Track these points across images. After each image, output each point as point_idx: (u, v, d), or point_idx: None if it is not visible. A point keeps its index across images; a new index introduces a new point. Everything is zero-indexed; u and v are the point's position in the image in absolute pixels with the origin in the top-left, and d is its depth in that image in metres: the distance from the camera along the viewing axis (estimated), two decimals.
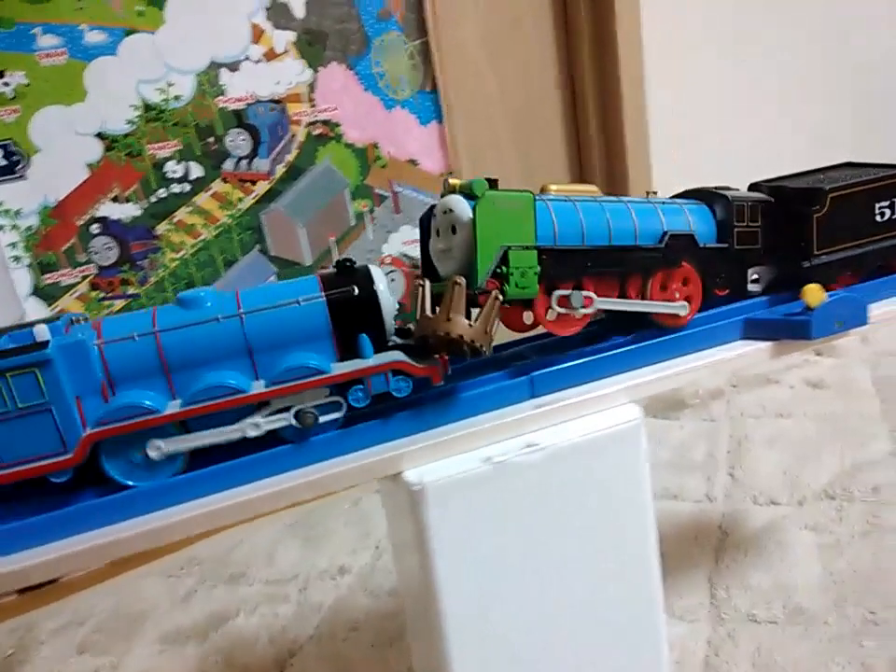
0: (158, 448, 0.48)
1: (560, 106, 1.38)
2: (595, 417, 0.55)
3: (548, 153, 1.38)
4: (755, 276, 0.65)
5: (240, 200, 1.14)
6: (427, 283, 0.51)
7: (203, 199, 1.11)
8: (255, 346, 0.49)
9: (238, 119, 1.12)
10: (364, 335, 0.50)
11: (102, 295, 1.07)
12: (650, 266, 0.59)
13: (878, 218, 0.66)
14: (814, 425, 1.22)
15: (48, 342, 0.45)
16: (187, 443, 0.48)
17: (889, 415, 1.21)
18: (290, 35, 1.13)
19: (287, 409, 0.50)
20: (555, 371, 0.56)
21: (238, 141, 1.12)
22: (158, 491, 0.48)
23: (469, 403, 0.54)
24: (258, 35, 1.11)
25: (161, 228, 1.09)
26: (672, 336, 0.60)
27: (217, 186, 1.12)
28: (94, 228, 1.05)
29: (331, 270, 0.52)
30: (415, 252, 1.22)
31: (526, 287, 0.52)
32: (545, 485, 0.53)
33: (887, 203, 0.66)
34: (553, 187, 0.58)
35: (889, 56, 1.65)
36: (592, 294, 0.56)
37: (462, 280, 0.49)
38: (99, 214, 1.05)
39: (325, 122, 1.17)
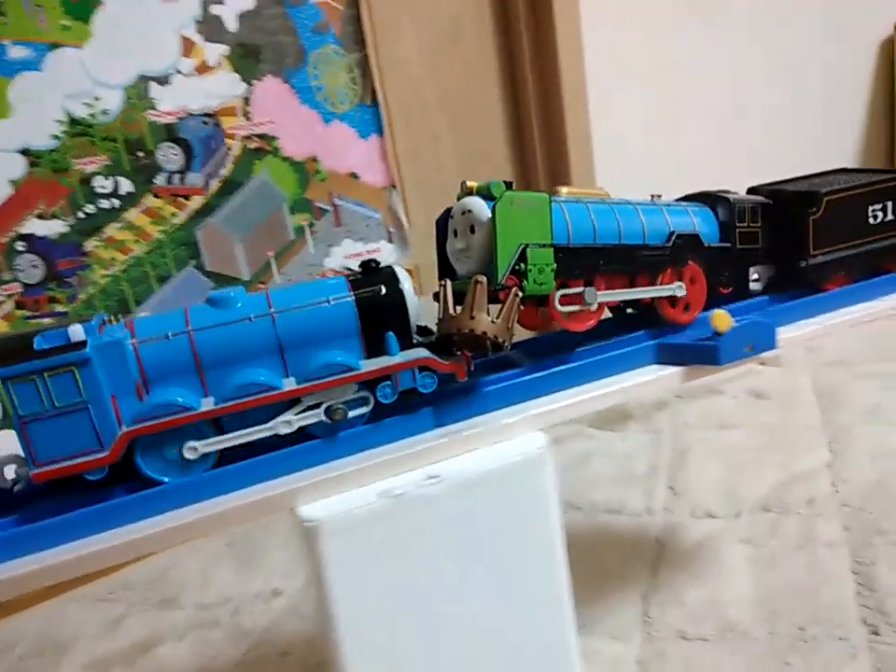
0: (194, 449, 0.49)
1: (503, 118, 1.38)
2: (501, 447, 0.54)
3: (492, 165, 1.37)
4: (755, 276, 0.68)
5: (173, 215, 1.12)
6: (449, 283, 0.53)
7: (133, 214, 1.09)
8: (286, 344, 0.51)
9: (169, 132, 1.10)
10: (391, 333, 0.52)
11: (28, 314, 1.04)
12: (658, 264, 0.62)
13: (871, 221, 0.69)
14: (755, 436, 1.22)
15: (85, 341, 0.46)
16: (220, 444, 0.50)
17: (828, 426, 1.22)
18: (223, 48, 1.11)
19: (317, 405, 0.51)
20: (460, 400, 0.55)
21: (169, 155, 1.10)
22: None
23: (371, 435, 0.53)
24: (189, 48, 1.09)
25: (90, 244, 1.07)
26: (582, 362, 0.59)
27: (149, 201, 1.10)
28: (19, 245, 1.03)
29: (357, 270, 0.54)
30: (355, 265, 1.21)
31: (544, 283, 0.54)
32: (448, 518, 0.52)
33: (879, 207, 0.69)
34: (564, 189, 0.60)
35: (827, 69, 1.67)
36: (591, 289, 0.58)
37: (483, 279, 0.51)
38: (24, 231, 1.03)
39: (261, 136, 1.15)
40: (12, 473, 0.50)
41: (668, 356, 0.61)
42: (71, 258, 1.06)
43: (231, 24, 1.11)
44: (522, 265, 0.53)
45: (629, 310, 0.67)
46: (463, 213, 0.55)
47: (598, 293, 0.59)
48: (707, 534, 1.00)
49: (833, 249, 0.68)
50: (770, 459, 1.14)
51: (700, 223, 0.65)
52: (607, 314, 0.63)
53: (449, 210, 0.58)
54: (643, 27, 1.42)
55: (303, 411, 0.51)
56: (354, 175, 1.24)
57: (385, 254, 1.29)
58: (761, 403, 1.33)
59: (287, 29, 1.14)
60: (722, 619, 0.85)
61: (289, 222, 1.21)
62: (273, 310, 0.50)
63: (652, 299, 0.62)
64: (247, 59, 1.12)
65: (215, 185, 1.14)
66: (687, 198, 0.69)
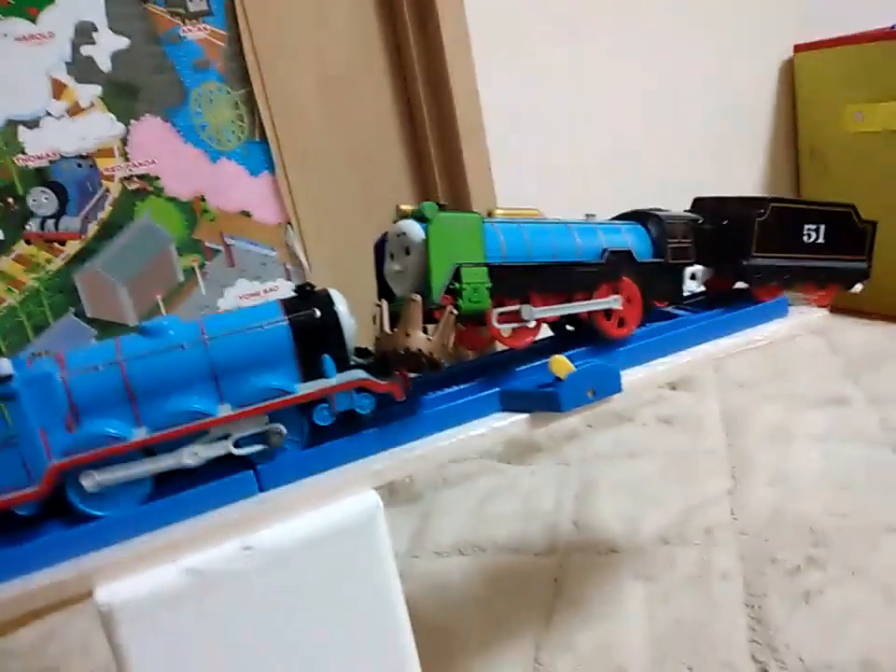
0: (92, 478, 0.47)
1: (401, 148, 1.36)
2: (327, 510, 0.51)
3: (392, 200, 1.35)
4: (692, 274, 0.69)
5: (48, 261, 1.07)
6: (385, 303, 0.55)
7: (5, 263, 1.04)
8: (220, 371, 0.50)
9: (41, 177, 1.05)
10: (327, 356, 0.52)
11: None
12: (592, 280, 0.63)
13: (805, 239, 0.73)
14: (660, 464, 1.21)
15: (11, 375, 0.45)
16: (122, 472, 0.48)
17: (732, 451, 1.21)
18: (96, 89, 1.07)
19: (226, 437, 0.50)
20: (284, 462, 0.52)
21: (41, 200, 1.06)
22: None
23: (184, 505, 0.50)
24: (59, 90, 1.05)
25: None
26: (424, 413, 0.57)
27: (21, 248, 1.05)
28: None
29: (292, 295, 0.53)
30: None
31: (479, 301, 0.55)
32: (266, 590, 0.49)
33: (814, 227, 0.73)
34: (499, 210, 0.61)
35: (728, 91, 1.69)
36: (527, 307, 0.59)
37: (418, 297, 0.52)
38: None
39: (141, 176, 1.12)
40: None
41: (512, 403, 0.58)
42: None
43: (105, 64, 1.07)
44: (456, 284, 0.54)
45: (568, 327, 0.68)
46: (398, 235, 0.56)
47: (535, 309, 0.59)
48: (606, 571, 0.98)
49: (772, 255, 0.71)
50: (674, 489, 1.13)
51: (633, 240, 0.66)
52: (546, 331, 0.65)
53: (385, 234, 0.58)
54: (538, 51, 1.42)
55: (211, 441, 0.50)
56: (246, 214, 1.21)
57: (284, 292, 1.26)
58: (668, 430, 1.33)
59: (166, 67, 1.11)
60: (612, 663, 0.83)
61: (178, 264, 1.17)
62: (206, 336, 0.50)
63: (590, 314, 0.63)
64: (123, 99, 1.09)
65: (93, 228, 1.10)
66: (620, 217, 0.71)
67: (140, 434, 0.48)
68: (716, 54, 1.65)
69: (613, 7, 1.49)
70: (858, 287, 0.78)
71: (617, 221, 0.69)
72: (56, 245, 1.08)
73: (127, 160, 1.10)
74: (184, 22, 1.11)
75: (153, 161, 1.12)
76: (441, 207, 0.55)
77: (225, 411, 0.49)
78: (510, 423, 0.57)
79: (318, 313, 0.52)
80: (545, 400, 0.57)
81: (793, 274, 0.73)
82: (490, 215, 0.60)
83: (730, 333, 0.66)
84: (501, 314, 0.58)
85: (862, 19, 1.65)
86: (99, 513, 0.48)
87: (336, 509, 0.51)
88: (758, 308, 0.69)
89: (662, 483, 1.16)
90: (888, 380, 1.33)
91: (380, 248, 0.59)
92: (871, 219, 0.77)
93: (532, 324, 0.60)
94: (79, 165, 1.07)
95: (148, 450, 0.49)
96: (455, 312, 0.54)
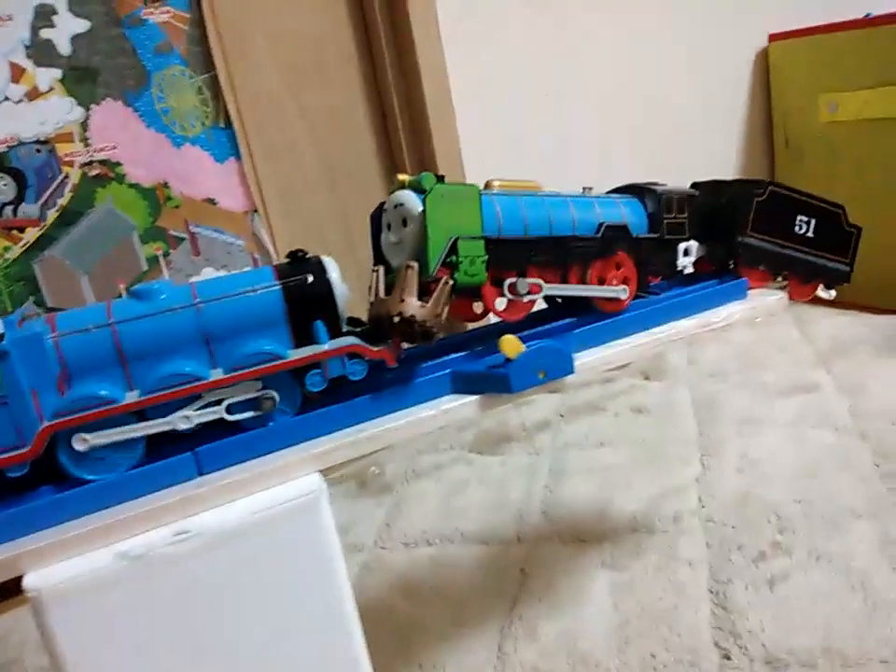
0: (84, 441, 0.47)
1: (371, 137, 1.35)
2: (268, 493, 0.50)
3: (360, 187, 1.34)
4: (685, 249, 0.69)
5: (6, 249, 1.05)
6: (381, 268, 0.55)
7: None
8: (212, 335, 0.50)
9: None
10: (319, 322, 0.52)
11: None
12: (588, 255, 0.62)
13: (797, 229, 0.73)
14: (630, 453, 1.21)
15: (2, 335, 0.45)
16: (114, 436, 0.47)
17: (703, 439, 1.21)
18: (55, 73, 1.05)
19: (219, 402, 0.50)
20: (224, 444, 0.51)
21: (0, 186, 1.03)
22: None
23: (120, 489, 0.48)
24: (18, 74, 1.03)
25: None
26: (371, 395, 0.55)
27: None
28: None
29: (285, 260, 0.53)
30: None
31: (475, 274, 0.55)
32: (204, 575, 0.47)
33: (805, 220, 0.74)
34: (497, 182, 0.60)
35: (703, 80, 1.69)
36: (540, 281, 0.59)
37: (414, 264, 0.52)
38: None
39: (102, 162, 1.10)
40: None
41: (463, 385, 0.57)
42: None
43: (64, 48, 1.05)
44: (453, 257, 0.54)
45: (559, 299, 0.68)
46: (395, 206, 0.56)
47: (546, 286, 0.60)
48: (573, 560, 0.97)
49: (765, 238, 0.71)
50: (641, 477, 1.13)
51: (629, 214, 0.66)
52: (541, 304, 0.64)
53: (382, 204, 0.58)
54: (510, 38, 1.41)
55: (204, 406, 0.50)
56: (211, 201, 1.19)
57: None
58: (640, 419, 1.32)
59: (127, 51, 1.09)
60: (575, 652, 0.82)
61: (141, 252, 1.15)
62: (198, 300, 0.49)
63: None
64: (83, 83, 1.07)
65: (52, 215, 1.07)
66: (617, 190, 0.70)
67: (132, 397, 0.48)
68: (691, 43, 1.65)
69: None
70: (833, 293, 0.78)
71: (614, 195, 0.69)
72: (14, 232, 1.05)
73: (87, 145, 1.08)
74: (146, 5, 1.09)
75: (114, 147, 1.10)
76: (440, 179, 0.54)
77: (217, 375, 0.49)
78: (460, 405, 0.56)
79: (311, 279, 0.52)
80: (495, 382, 0.56)
81: (781, 262, 0.73)
82: (488, 186, 0.60)
83: (688, 315, 0.65)
84: (496, 286, 0.58)
85: (837, 8, 1.65)
86: (91, 477, 0.48)
87: (277, 492, 0.50)
88: (717, 290, 0.68)
89: (632, 471, 1.15)
90: (858, 368, 1.33)
91: (376, 219, 0.59)
92: (857, 225, 0.77)
93: (526, 299, 0.59)
94: (38, 151, 1.05)
95: (141, 414, 0.49)
96: (451, 283, 0.54)
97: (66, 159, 1.07)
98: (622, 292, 0.64)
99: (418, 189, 0.55)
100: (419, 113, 1.31)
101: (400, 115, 1.32)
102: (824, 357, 1.41)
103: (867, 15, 1.57)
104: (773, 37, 1.73)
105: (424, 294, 0.53)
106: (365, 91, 1.32)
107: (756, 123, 1.78)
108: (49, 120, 1.05)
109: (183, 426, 0.49)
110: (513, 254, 0.58)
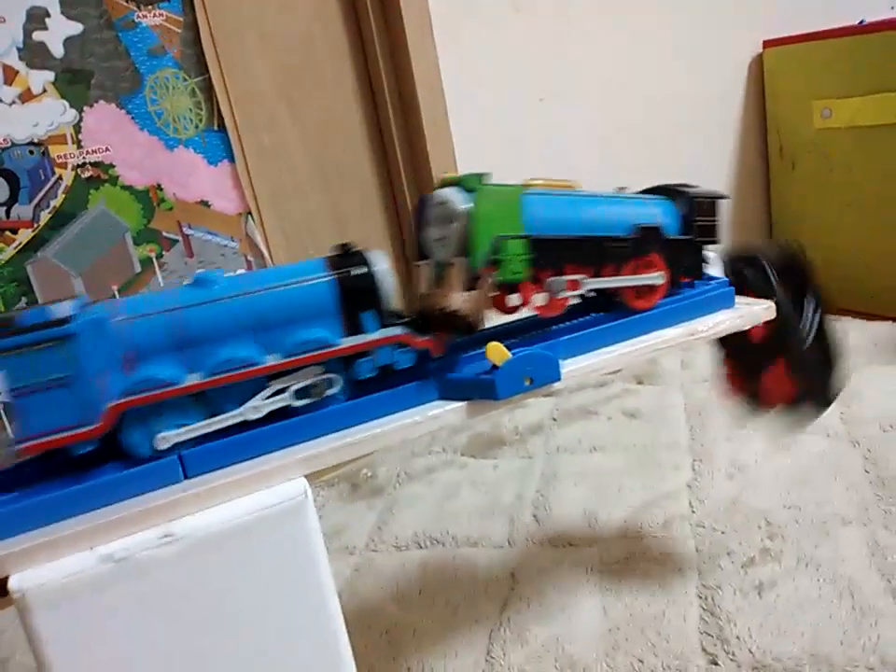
0: (166, 440, 0.49)
1: (364, 139, 1.35)
2: (255, 497, 0.50)
3: (354, 189, 1.34)
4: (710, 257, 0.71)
5: (0, 250, 1.05)
6: (426, 263, 0.58)
7: None
8: (267, 323, 0.52)
9: None
10: (368, 312, 0.54)
11: None
12: (622, 255, 0.64)
13: None
14: (623, 457, 1.21)
15: (72, 317, 0.46)
16: (193, 432, 0.50)
17: (695, 444, 1.21)
18: (48, 75, 1.05)
19: (284, 390, 0.52)
20: (210, 447, 0.51)
21: None
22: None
23: (104, 492, 0.48)
24: (11, 76, 1.03)
25: None
26: (358, 402, 0.55)
27: None
28: None
29: (335, 253, 0.55)
30: None
31: (518, 272, 0.58)
32: (188, 579, 0.48)
33: None
34: (536, 181, 0.61)
35: (697, 87, 1.69)
36: (578, 277, 0.61)
37: (460, 260, 0.55)
38: None
39: (96, 164, 1.10)
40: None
41: (450, 391, 0.57)
42: None
43: (57, 50, 1.05)
44: (497, 255, 0.56)
45: (591, 294, 0.69)
46: (440, 203, 0.57)
47: (584, 281, 0.61)
48: (563, 564, 0.97)
49: None
50: (635, 482, 1.13)
51: (661, 215, 0.67)
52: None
53: (424, 198, 0.60)
54: (502, 39, 1.41)
55: (272, 395, 0.52)
56: (204, 203, 1.20)
57: None
58: (633, 423, 1.32)
59: (120, 53, 1.09)
60: (564, 656, 0.82)
61: (134, 253, 1.15)
62: (254, 289, 0.51)
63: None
64: (76, 85, 1.07)
65: (45, 217, 1.07)
66: (648, 191, 0.71)
67: (192, 379, 0.50)
68: (685, 50, 1.65)
69: (581, 1, 1.49)
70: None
71: (647, 196, 0.70)
72: (7, 233, 1.05)
73: (80, 147, 1.08)
74: (139, 8, 1.09)
75: (107, 149, 1.10)
76: (482, 178, 0.56)
77: (272, 360, 0.52)
78: (445, 411, 0.56)
79: (361, 270, 0.54)
80: (481, 388, 0.56)
81: None
82: (528, 186, 0.61)
83: (675, 324, 0.66)
84: (534, 284, 0.59)
85: (831, 15, 1.65)
86: (154, 455, 0.50)
87: (263, 496, 0.50)
88: (705, 299, 0.68)
89: (624, 476, 1.15)
90: (850, 374, 1.33)
91: (419, 213, 0.60)
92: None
93: (561, 296, 0.61)
94: (31, 152, 1.05)
95: (198, 398, 0.51)
96: (495, 279, 0.56)
97: (59, 160, 1.07)
98: (657, 278, 0.65)
99: (463, 187, 0.56)
100: (413, 114, 1.31)
101: (394, 116, 1.33)
102: None
103: (861, 22, 1.58)
104: (767, 44, 1.73)
105: (468, 289, 0.55)
106: (358, 93, 1.32)
107: (750, 129, 1.78)
108: (41, 122, 1.05)
109: (253, 416, 0.52)
110: (552, 252, 0.60)
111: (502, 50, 1.40)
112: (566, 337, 0.61)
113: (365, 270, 0.54)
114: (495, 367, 0.55)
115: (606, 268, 0.64)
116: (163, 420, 0.50)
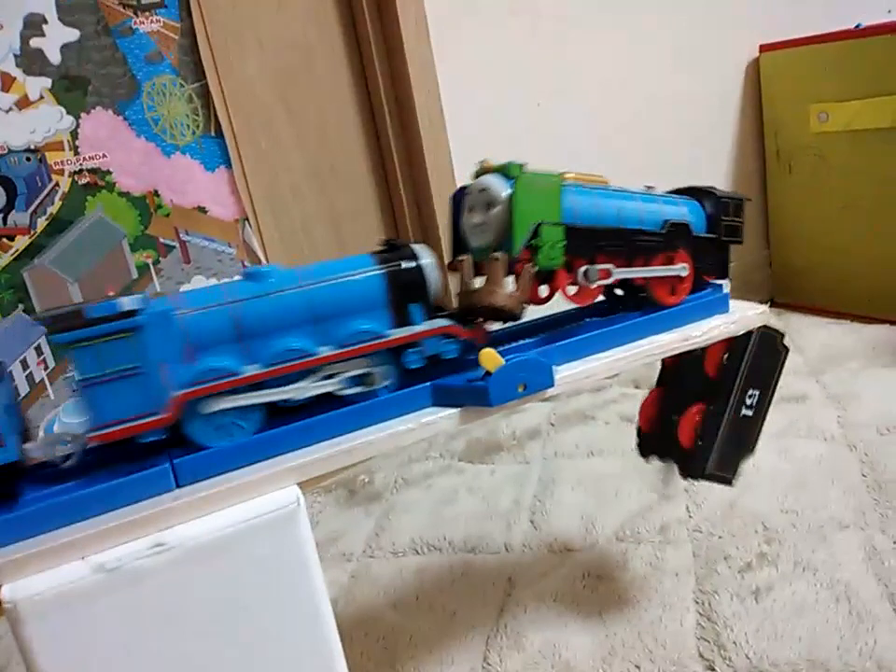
0: (211, 406, 0.51)
1: (362, 145, 1.35)
2: (247, 506, 0.50)
3: (351, 194, 1.34)
4: None
5: None
6: (468, 257, 0.60)
7: None
8: (319, 315, 0.53)
9: None
10: (415, 304, 0.56)
11: None
12: (651, 248, 0.66)
13: None
14: (620, 462, 1.21)
15: (138, 310, 0.47)
16: (239, 401, 0.51)
17: None
18: (45, 82, 1.05)
19: (333, 375, 0.54)
20: (202, 456, 0.51)
21: None
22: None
23: (95, 500, 0.48)
24: (8, 82, 1.03)
25: None
26: (350, 408, 0.55)
27: None
28: None
29: (382, 248, 0.58)
30: None
31: (554, 258, 0.59)
32: (179, 589, 0.47)
33: None
34: (571, 174, 0.63)
35: (694, 91, 1.69)
36: (610, 266, 0.62)
37: (502, 255, 0.57)
38: None
39: (92, 171, 1.10)
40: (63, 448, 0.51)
41: (444, 398, 0.57)
42: None
43: (54, 56, 1.05)
44: (536, 241, 0.57)
45: (617, 291, 0.72)
46: (480, 190, 0.59)
47: (615, 270, 0.62)
48: (560, 570, 0.97)
49: None
50: (630, 487, 1.13)
51: (689, 214, 0.69)
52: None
53: (463, 188, 0.61)
54: (498, 41, 1.41)
55: (320, 380, 0.54)
56: (201, 209, 1.20)
57: None
58: (630, 428, 1.32)
59: (117, 60, 1.09)
60: (560, 663, 0.82)
61: (131, 260, 1.15)
62: (306, 283, 0.53)
63: (648, 280, 0.65)
64: (73, 91, 1.07)
65: (42, 224, 1.08)
66: (678, 191, 0.73)
67: (252, 369, 0.51)
68: (682, 54, 1.65)
69: (580, 4, 1.49)
70: None
71: (675, 194, 0.71)
72: (4, 240, 1.06)
73: (77, 154, 1.09)
74: (136, 14, 1.10)
75: (104, 156, 1.10)
76: (523, 167, 0.57)
77: (326, 351, 0.53)
78: (439, 417, 0.56)
79: (409, 264, 0.56)
80: (474, 395, 0.56)
81: None
82: (562, 179, 0.62)
83: (670, 329, 0.66)
84: (569, 272, 0.61)
85: (828, 19, 1.66)
86: (214, 444, 0.51)
87: (255, 504, 0.50)
88: (698, 303, 0.68)
89: (621, 481, 1.15)
90: (847, 378, 1.34)
91: (457, 201, 0.62)
92: None
93: (594, 285, 0.62)
94: (28, 159, 1.05)
95: (257, 388, 0.52)
96: (535, 268, 0.57)
97: (56, 167, 1.07)
98: (682, 270, 0.66)
99: (504, 174, 0.58)
100: (409, 118, 1.31)
101: (390, 120, 1.33)
102: (814, 366, 1.41)
103: (857, 25, 1.58)
104: (763, 48, 1.73)
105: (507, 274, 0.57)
106: (355, 97, 1.32)
107: (747, 133, 1.78)
108: (38, 129, 1.05)
109: (298, 396, 0.53)
110: (586, 242, 0.61)
111: (501, 51, 1.40)
112: (559, 343, 0.61)
113: (414, 264, 0.56)
114: (488, 373, 0.55)
115: (636, 261, 0.65)
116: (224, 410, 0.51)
